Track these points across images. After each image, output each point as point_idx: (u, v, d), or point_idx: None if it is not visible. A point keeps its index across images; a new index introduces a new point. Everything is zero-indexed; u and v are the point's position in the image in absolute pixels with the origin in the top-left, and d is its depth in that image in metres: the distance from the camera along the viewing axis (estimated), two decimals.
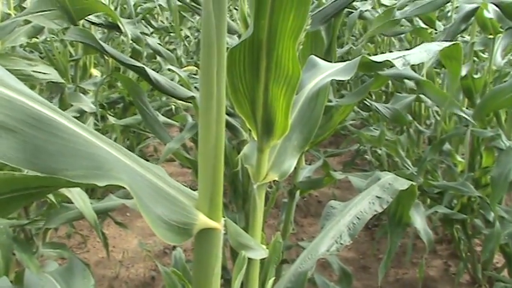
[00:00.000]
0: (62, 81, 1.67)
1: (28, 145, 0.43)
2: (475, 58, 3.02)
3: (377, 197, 1.23)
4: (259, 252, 0.93)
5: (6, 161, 0.41)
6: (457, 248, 2.65)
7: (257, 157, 0.93)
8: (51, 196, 1.90)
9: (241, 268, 0.62)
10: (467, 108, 2.49)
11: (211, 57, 0.48)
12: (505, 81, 2.34)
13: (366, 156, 3.37)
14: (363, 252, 2.98)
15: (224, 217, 0.69)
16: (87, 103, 2.06)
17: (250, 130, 0.94)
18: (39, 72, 1.61)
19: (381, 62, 1.03)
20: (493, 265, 2.58)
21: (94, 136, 0.48)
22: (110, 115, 2.61)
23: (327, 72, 1.01)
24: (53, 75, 1.60)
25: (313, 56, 1.08)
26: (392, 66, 1.48)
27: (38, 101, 0.47)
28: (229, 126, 1.94)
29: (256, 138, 0.91)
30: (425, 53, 1.09)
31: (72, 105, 2.19)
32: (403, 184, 1.25)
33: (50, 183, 0.54)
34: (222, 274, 1.96)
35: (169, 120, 2.57)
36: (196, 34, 5.67)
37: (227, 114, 1.80)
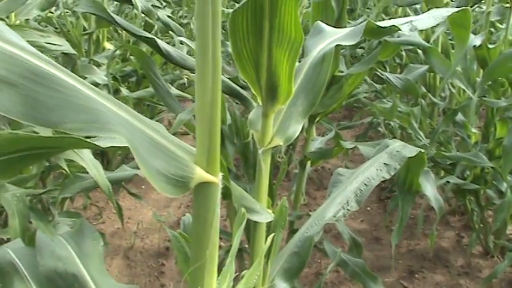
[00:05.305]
0: (74, 52, 1.69)
1: (28, 99, 0.44)
2: (492, 29, 2.95)
3: (385, 164, 1.23)
4: (264, 215, 0.95)
5: (6, 114, 0.43)
6: (470, 220, 2.65)
7: (262, 122, 0.94)
8: (66, 167, 1.93)
9: (241, 224, 0.64)
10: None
11: (205, 8, 0.49)
12: None
13: (379, 129, 3.35)
14: (376, 224, 2.99)
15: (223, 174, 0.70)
16: (100, 75, 2.08)
17: (256, 96, 0.95)
18: (52, 44, 1.63)
19: (386, 27, 1.02)
20: (506, 236, 2.57)
21: (93, 91, 0.49)
22: (123, 88, 2.64)
23: (332, 37, 1.00)
24: (65, 46, 1.62)
25: (319, 22, 1.08)
26: (400, 33, 1.47)
27: (39, 57, 0.49)
28: (240, 98, 1.95)
29: (261, 103, 0.92)
30: (432, 18, 1.08)
31: (85, 78, 2.22)
32: (411, 151, 1.25)
33: (53, 143, 0.56)
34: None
35: (182, 93, 2.59)
36: None
37: (240, 87, 1.82)
